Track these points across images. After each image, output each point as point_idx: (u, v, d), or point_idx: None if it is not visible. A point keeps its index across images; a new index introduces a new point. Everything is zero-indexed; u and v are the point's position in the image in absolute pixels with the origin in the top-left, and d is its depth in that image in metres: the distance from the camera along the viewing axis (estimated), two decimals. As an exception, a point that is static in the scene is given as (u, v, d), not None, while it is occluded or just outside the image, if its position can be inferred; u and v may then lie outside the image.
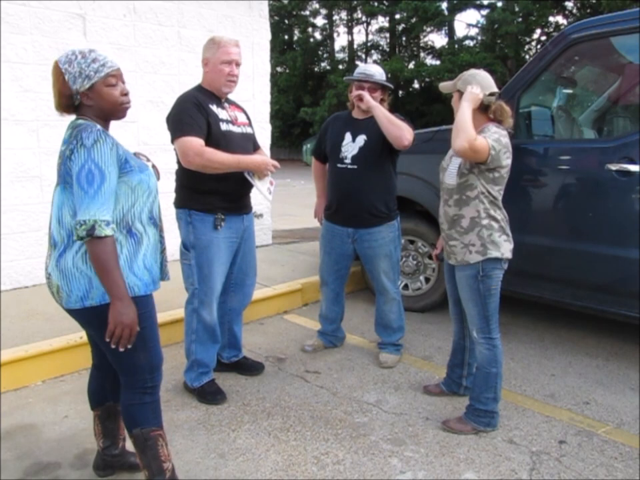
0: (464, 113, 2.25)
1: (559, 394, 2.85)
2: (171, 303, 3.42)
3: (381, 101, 3.03)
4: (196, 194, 2.61)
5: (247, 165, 2.60)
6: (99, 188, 1.65)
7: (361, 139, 3.00)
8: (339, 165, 3.05)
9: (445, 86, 2.49)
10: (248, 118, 2.89)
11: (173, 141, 2.58)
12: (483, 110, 2.38)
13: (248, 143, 2.79)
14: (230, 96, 2.88)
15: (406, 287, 4.09)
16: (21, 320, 3.45)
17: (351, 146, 3.02)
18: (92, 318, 1.78)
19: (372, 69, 3.05)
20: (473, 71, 2.43)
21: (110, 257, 1.65)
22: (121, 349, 1.69)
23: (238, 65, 2.66)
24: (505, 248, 2.42)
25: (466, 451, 2.34)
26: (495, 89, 2.38)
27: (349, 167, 3.01)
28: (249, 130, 2.82)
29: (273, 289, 4.14)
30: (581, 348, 3.44)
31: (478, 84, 2.34)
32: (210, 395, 2.77)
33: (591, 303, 3.19)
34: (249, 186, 2.74)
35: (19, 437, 2.45)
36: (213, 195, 2.61)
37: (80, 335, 3.04)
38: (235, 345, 3.05)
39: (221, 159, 2.51)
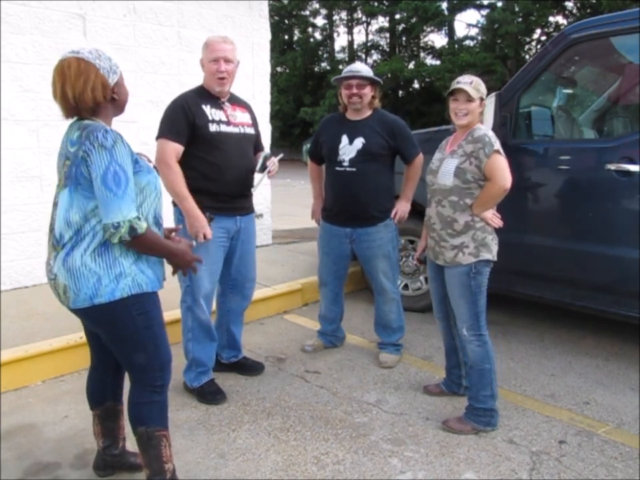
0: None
1: (559, 394, 2.85)
2: (171, 303, 3.42)
3: (372, 98, 3.03)
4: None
5: (186, 212, 2.55)
6: (125, 188, 1.68)
7: (359, 142, 2.99)
8: (337, 168, 3.04)
9: (473, 92, 2.43)
10: (253, 119, 2.86)
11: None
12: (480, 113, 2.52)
13: (246, 144, 2.77)
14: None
15: (406, 287, 4.09)
16: (21, 320, 3.45)
17: (348, 149, 3.00)
18: (101, 316, 1.79)
19: (358, 66, 3.05)
20: (480, 81, 2.48)
21: (158, 241, 1.80)
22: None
23: (228, 61, 2.63)
24: (494, 251, 2.50)
25: (466, 450, 2.34)
26: None
27: (348, 169, 3.00)
28: (249, 131, 2.80)
29: (272, 289, 4.14)
30: (581, 348, 3.44)
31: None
32: (210, 394, 2.77)
33: (591, 303, 3.19)
34: (243, 188, 2.73)
35: (19, 437, 2.45)
36: (201, 195, 2.60)
37: (80, 334, 3.03)
38: (234, 346, 3.05)
39: (174, 186, 2.52)
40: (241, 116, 2.78)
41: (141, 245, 1.75)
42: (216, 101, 2.69)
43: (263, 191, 5.58)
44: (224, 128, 2.66)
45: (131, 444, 2.20)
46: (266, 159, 2.69)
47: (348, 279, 3.43)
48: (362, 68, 3.02)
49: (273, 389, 2.90)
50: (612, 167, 2.98)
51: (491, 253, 2.47)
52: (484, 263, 2.45)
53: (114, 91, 1.79)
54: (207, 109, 2.63)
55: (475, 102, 2.44)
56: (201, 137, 2.59)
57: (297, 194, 11.36)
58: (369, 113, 3.06)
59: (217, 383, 2.84)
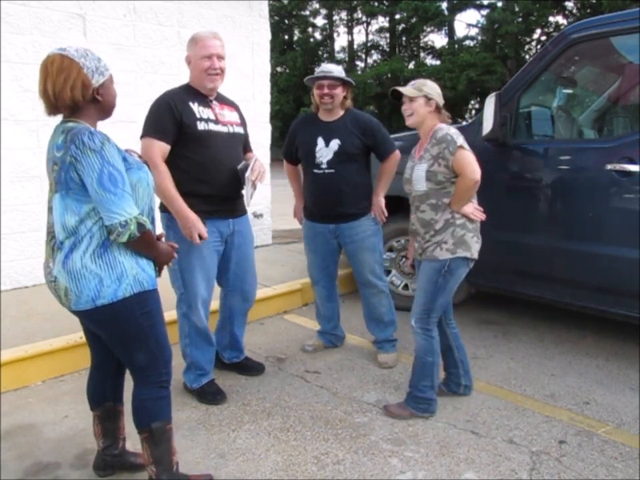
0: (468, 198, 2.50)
1: (559, 394, 2.85)
2: (171, 303, 3.41)
3: (344, 98, 3.03)
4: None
5: (176, 212, 2.47)
6: (123, 187, 1.69)
7: (335, 144, 2.98)
8: (316, 171, 3.04)
9: (408, 90, 2.52)
10: (241, 118, 2.81)
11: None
12: (439, 112, 2.55)
13: (235, 144, 2.71)
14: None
15: (406, 286, 4.09)
16: (20, 320, 3.45)
17: (325, 151, 3.01)
18: (104, 316, 1.78)
19: (330, 66, 3.05)
20: (433, 83, 2.57)
21: (155, 239, 1.84)
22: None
23: (220, 57, 2.57)
24: (474, 249, 2.51)
25: (466, 450, 2.34)
26: None
27: (327, 171, 3.01)
28: (238, 130, 2.73)
29: (273, 289, 4.14)
30: (581, 348, 3.44)
31: (439, 95, 2.54)
32: (210, 395, 2.76)
33: (591, 303, 3.18)
34: (234, 189, 2.67)
35: (19, 437, 2.45)
36: (192, 198, 2.50)
37: (80, 334, 3.03)
38: (237, 347, 3.03)
39: (162, 186, 2.41)
40: (229, 115, 2.72)
41: (144, 241, 1.75)
42: (203, 99, 2.62)
43: (263, 190, 5.58)
44: (212, 126, 2.58)
45: (130, 444, 2.20)
46: (242, 171, 2.60)
47: (346, 278, 3.43)
48: (334, 68, 3.02)
49: (273, 389, 2.90)
50: (612, 167, 2.98)
51: (470, 250, 2.48)
52: (460, 262, 2.48)
53: (98, 92, 1.76)
54: (195, 106, 2.56)
55: (417, 101, 2.49)
56: (189, 135, 2.51)
57: (297, 194, 11.34)
58: (341, 113, 3.06)
59: (217, 383, 2.84)
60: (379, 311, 3.23)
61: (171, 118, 2.49)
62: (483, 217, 2.53)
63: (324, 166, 3.01)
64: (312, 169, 3.06)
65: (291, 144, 3.22)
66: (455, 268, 2.47)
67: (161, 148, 2.47)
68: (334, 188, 3.01)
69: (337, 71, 3.01)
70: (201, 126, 2.55)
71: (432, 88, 2.52)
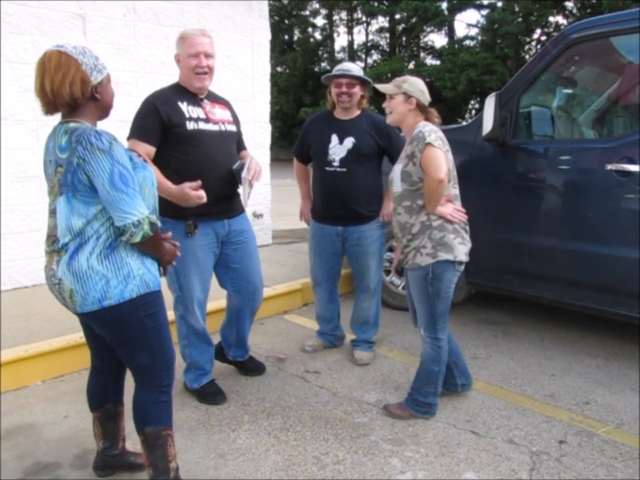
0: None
1: (559, 394, 2.85)
2: (170, 302, 3.41)
3: (361, 97, 3.02)
4: (166, 199, 2.40)
5: (168, 196, 2.37)
6: (134, 186, 1.68)
7: (349, 142, 2.98)
8: (327, 168, 3.03)
9: (386, 88, 2.47)
10: (234, 116, 2.77)
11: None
12: (422, 111, 2.45)
13: (228, 142, 2.66)
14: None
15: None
16: (21, 320, 3.45)
17: (338, 148, 3.00)
18: (109, 318, 1.77)
19: (348, 65, 3.05)
20: (416, 79, 2.47)
21: (162, 239, 1.86)
22: None
23: (208, 55, 2.51)
24: (458, 251, 2.39)
25: (466, 450, 2.33)
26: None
27: (338, 169, 2.99)
28: (230, 128, 2.69)
29: (273, 289, 4.13)
30: (581, 348, 3.44)
31: (422, 92, 2.43)
32: (210, 395, 2.76)
33: (591, 303, 3.18)
34: (227, 188, 2.63)
35: (19, 437, 2.45)
36: None
37: (80, 334, 3.03)
38: (242, 345, 3.01)
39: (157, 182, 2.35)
40: (221, 113, 2.67)
41: (154, 241, 1.76)
42: (193, 98, 2.58)
43: (262, 190, 5.58)
44: (203, 125, 2.54)
45: (131, 443, 2.20)
46: (238, 171, 2.56)
47: (346, 279, 3.43)
48: (352, 67, 3.02)
49: (273, 389, 2.90)
50: (612, 167, 2.98)
51: (452, 252, 2.36)
52: (445, 265, 2.37)
53: (96, 90, 1.74)
54: (184, 106, 2.52)
55: (396, 98, 2.43)
56: (179, 135, 2.47)
57: (297, 194, 11.32)
58: (357, 112, 3.06)
59: (217, 383, 2.84)
60: (367, 313, 3.25)
61: (156, 120, 2.45)
62: (463, 218, 2.42)
63: (336, 164, 2.99)
64: (323, 166, 3.04)
65: (303, 141, 3.20)
66: (440, 273, 2.37)
67: (146, 150, 2.43)
68: (344, 187, 3.00)
69: (356, 69, 3.01)
70: (191, 125, 2.51)
71: (413, 85, 2.42)
